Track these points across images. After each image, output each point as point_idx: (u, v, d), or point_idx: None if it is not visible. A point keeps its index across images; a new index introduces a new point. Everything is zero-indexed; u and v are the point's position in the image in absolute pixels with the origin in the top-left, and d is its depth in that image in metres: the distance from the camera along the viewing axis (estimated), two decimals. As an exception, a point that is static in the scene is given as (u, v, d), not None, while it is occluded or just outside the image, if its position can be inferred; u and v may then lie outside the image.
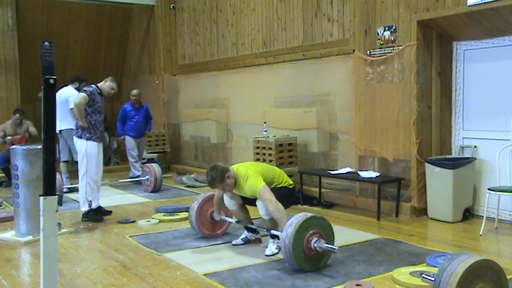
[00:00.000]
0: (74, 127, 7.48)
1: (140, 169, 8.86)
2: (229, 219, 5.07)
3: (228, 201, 4.79)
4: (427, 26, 5.83)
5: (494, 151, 5.42)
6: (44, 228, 2.65)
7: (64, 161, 8.18)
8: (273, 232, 4.47)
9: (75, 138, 5.94)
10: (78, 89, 7.92)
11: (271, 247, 4.53)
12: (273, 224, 4.52)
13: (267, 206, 4.36)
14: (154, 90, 10.70)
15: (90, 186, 5.84)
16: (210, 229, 5.16)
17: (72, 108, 7.86)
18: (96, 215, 5.97)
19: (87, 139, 5.82)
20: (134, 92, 9.02)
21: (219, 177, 4.44)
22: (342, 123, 6.92)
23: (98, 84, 6.05)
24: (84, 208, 5.92)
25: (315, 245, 3.99)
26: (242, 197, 4.73)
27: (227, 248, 4.81)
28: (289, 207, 4.72)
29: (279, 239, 4.54)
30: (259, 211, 4.52)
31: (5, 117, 9.26)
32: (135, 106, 8.98)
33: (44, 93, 2.62)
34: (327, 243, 4.02)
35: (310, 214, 4.12)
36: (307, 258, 4.02)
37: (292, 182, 4.85)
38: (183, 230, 5.52)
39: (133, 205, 7.02)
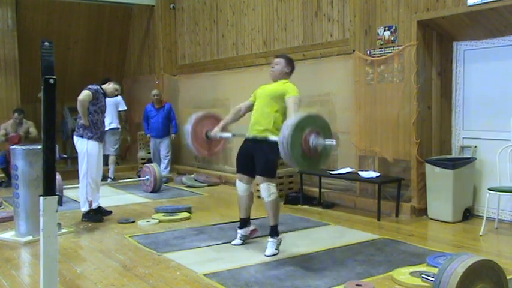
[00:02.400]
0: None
1: (165, 170, 8.99)
2: (226, 135, 5.00)
3: (241, 186, 4.76)
4: (427, 26, 5.83)
5: (494, 151, 5.42)
6: (44, 228, 2.65)
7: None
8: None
9: (75, 138, 5.91)
10: None
11: (271, 247, 4.53)
12: (273, 211, 4.54)
13: (289, 112, 4.43)
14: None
15: (91, 186, 5.84)
16: (207, 148, 5.08)
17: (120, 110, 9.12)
18: (96, 215, 5.97)
19: (89, 138, 5.81)
20: (154, 92, 9.17)
21: (288, 59, 4.78)
22: (342, 123, 6.92)
23: (102, 86, 6.06)
24: (84, 208, 5.92)
25: (313, 142, 3.94)
26: (245, 168, 4.71)
27: (227, 248, 4.81)
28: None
29: (278, 235, 4.58)
30: (262, 193, 4.56)
31: (5, 117, 9.26)
32: (155, 106, 9.09)
33: (44, 93, 2.61)
34: (324, 139, 3.97)
35: (305, 113, 4.07)
36: (307, 157, 3.97)
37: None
38: (183, 230, 5.52)
39: (133, 205, 7.01)
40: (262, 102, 4.69)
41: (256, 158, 4.62)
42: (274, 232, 4.59)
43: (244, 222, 4.91)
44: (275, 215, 4.59)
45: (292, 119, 4.01)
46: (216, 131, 4.93)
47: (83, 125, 5.80)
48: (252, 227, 4.94)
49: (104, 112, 6.06)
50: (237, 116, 5.01)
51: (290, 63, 4.79)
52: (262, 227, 5.38)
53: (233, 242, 4.91)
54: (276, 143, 4.50)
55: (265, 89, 4.79)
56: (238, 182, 4.82)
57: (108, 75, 9.72)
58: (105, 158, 9.19)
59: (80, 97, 5.77)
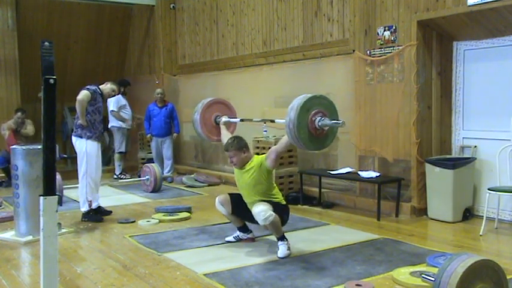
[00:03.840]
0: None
1: (167, 170, 9.07)
2: (234, 120, 5.06)
3: (220, 207, 4.80)
4: (427, 26, 5.83)
5: (494, 151, 5.42)
6: (44, 228, 2.65)
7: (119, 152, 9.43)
8: (278, 121, 4.50)
9: (74, 138, 5.91)
10: (124, 93, 9.51)
11: (283, 248, 4.49)
12: (275, 228, 4.49)
13: (281, 145, 4.38)
14: (155, 90, 10.67)
15: (90, 186, 5.84)
16: (216, 134, 5.13)
17: (112, 111, 9.20)
18: (96, 215, 5.97)
19: (87, 138, 5.81)
20: (158, 90, 9.28)
21: (238, 145, 4.59)
22: (342, 123, 6.91)
23: (99, 86, 6.07)
24: (84, 208, 5.92)
25: (320, 123, 3.94)
26: (237, 207, 4.72)
27: (227, 248, 4.81)
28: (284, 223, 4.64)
29: (286, 240, 4.56)
30: (257, 219, 4.43)
31: (5, 117, 9.26)
32: (158, 105, 9.15)
33: (44, 93, 2.62)
34: (331, 120, 3.97)
35: (309, 95, 4.06)
36: (314, 138, 3.99)
37: (285, 202, 4.77)
38: (183, 230, 5.52)
39: (133, 205, 7.01)
40: (248, 193, 4.62)
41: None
42: (282, 238, 4.56)
43: (243, 228, 4.94)
44: (278, 230, 4.52)
45: (298, 100, 3.99)
46: (224, 120, 5.04)
47: (81, 125, 5.81)
48: (251, 235, 4.97)
49: (102, 112, 6.08)
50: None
51: (240, 145, 4.59)
52: (261, 227, 5.39)
53: (227, 238, 4.98)
54: (286, 208, 4.65)
55: (243, 178, 4.63)
56: (217, 202, 4.80)
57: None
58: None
59: (79, 97, 5.77)
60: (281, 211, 4.57)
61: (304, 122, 3.93)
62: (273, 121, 4.87)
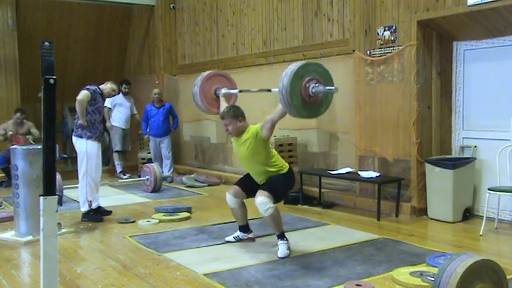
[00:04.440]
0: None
1: (167, 170, 9.09)
2: (233, 91, 5.04)
3: (231, 199, 4.78)
4: (427, 26, 5.83)
5: (494, 151, 5.42)
6: (44, 228, 2.65)
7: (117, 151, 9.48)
8: (273, 90, 4.40)
9: (74, 138, 5.92)
10: (126, 92, 9.57)
11: (283, 248, 4.49)
12: (275, 222, 4.51)
13: (276, 113, 4.33)
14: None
15: (90, 186, 5.84)
16: (217, 106, 5.15)
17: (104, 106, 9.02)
18: (96, 215, 5.97)
19: (88, 138, 5.82)
20: (155, 91, 9.28)
21: (234, 113, 4.57)
22: (342, 123, 6.92)
23: (99, 86, 6.07)
24: (84, 208, 5.92)
25: (313, 90, 3.90)
26: (249, 187, 4.70)
27: (227, 248, 4.81)
28: (291, 189, 4.68)
29: (287, 239, 4.56)
30: (258, 208, 4.46)
31: (5, 117, 9.25)
32: (155, 105, 9.16)
33: (44, 93, 2.62)
34: (324, 86, 3.92)
35: (304, 61, 4.02)
36: (307, 106, 3.95)
37: (287, 168, 4.71)
38: (183, 230, 5.52)
39: (133, 205, 7.01)
40: (248, 163, 4.65)
41: (267, 182, 4.60)
42: (282, 236, 4.57)
43: (244, 227, 4.95)
44: (278, 225, 4.55)
45: (291, 66, 3.95)
46: (223, 92, 5.04)
47: (81, 125, 5.81)
48: (251, 235, 4.96)
49: (102, 112, 6.09)
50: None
51: (236, 114, 4.59)
52: (262, 226, 5.39)
53: (227, 238, 4.98)
54: (286, 173, 4.62)
55: (240, 149, 4.64)
56: (228, 195, 4.80)
57: (108, 75, 9.75)
58: (105, 158, 9.25)
59: (79, 97, 5.78)
60: (284, 182, 4.60)
61: (298, 89, 3.87)
62: (269, 90, 4.76)
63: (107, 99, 8.97)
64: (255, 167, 4.63)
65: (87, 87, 5.93)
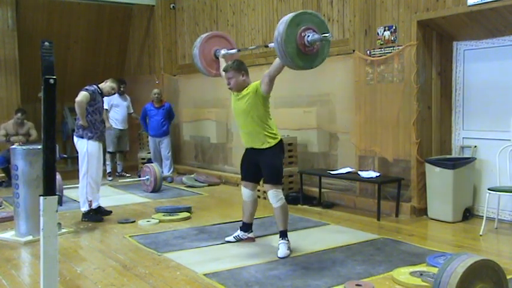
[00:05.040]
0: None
1: (167, 170, 9.06)
2: (232, 51, 5.03)
3: (246, 192, 4.81)
4: (427, 26, 5.83)
5: (494, 151, 5.42)
6: (44, 228, 2.65)
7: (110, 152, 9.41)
8: (270, 45, 4.36)
9: (75, 138, 5.92)
10: (122, 92, 9.38)
11: (283, 248, 4.49)
12: (282, 216, 4.55)
13: (273, 66, 4.31)
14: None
15: (91, 186, 5.85)
16: (215, 67, 5.15)
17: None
18: (96, 215, 5.97)
19: (89, 138, 5.82)
20: (155, 91, 9.24)
21: (237, 66, 4.56)
22: (342, 123, 6.92)
23: (98, 85, 6.06)
24: (84, 208, 5.92)
25: (309, 39, 3.87)
26: (250, 174, 4.75)
27: (227, 248, 4.81)
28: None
29: (288, 240, 4.57)
30: (270, 200, 4.57)
31: (5, 117, 9.25)
32: (155, 105, 9.12)
33: (44, 93, 2.62)
34: (320, 33, 3.89)
35: (300, 11, 4.01)
36: (302, 55, 3.91)
37: (277, 140, 4.66)
38: (183, 230, 5.52)
39: (133, 205, 7.01)
40: (243, 121, 4.61)
41: (262, 164, 4.62)
42: (284, 235, 4.58)
43: (246, 226, 4.94)
44: (284, 220, 4.58)
45: (288, 15, 3.92)
46: (223, 53, 5.02)
47: (82, 125, 5.81)
48: (251, 235, 4.97)
49: (102, 112, 6.08)
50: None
51: (240, 68, 4.58)
52: (262, 226, 5.40)
53: (227, 238, 4.98)
54: (278, 146, 4.60)
55: (239, 104, 4.63)
56: (243, 189, 4.84)
57: (108, 75, 9.71)
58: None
59: (78, 98, 5.79)
60: (278, 157, 4.62)
61: (293, 36, 3.83)
62: (266, 46, 4.72)
63: (105, 100, 8.98)
64: (250, 125, 4.57)
65: (86, 88, 5.92)
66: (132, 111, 9.71)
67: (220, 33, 5.37)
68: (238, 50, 5.08)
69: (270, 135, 4.59)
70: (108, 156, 9.45)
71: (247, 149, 4.78)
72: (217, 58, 5.16)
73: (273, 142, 4.58)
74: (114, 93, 6.49)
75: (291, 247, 4.55)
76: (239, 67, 4.57)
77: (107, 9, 11.25)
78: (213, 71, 5.19)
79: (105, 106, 8.97)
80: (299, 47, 3.89)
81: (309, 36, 3.88)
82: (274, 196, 4.54)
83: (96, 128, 5.88)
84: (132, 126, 10.08)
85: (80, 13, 11.06)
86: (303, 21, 3.90)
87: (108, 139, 9.32)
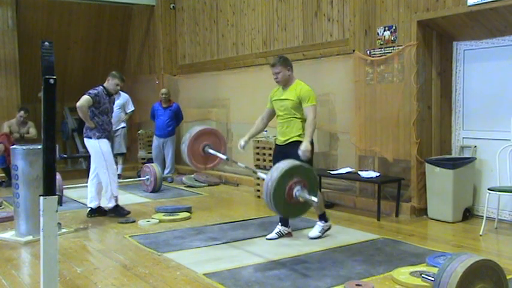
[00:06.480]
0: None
1: (168, 170, 9.04)
2: (221, 156, 5.09)
3: None
4: (427, 26, 5.83)
5: (494, 151, 5.42)
6: (44, 228, 2.65)
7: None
8: (259, 174, 4.71)
9: (85, 139, 6.03)
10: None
11: (317, 229, 4.83)
12: (319, 203, 4.79)
13: (308, 115, 4.73)
14: (154, 90, 10.68)
15: (114, 181, 5.99)
16: (203, 163, 5.18)
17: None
18: (123, 209, 6.15)
19: (98, 138, 5.93)
20: (162, 91, 9.17)
21: (284, 61, 4.84)
22: (342, 123, 6.92)
23: (104, 85, 6.08)
24: (111, 204, 6.06)
25: (297, 193, 3.93)
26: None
27: (227, 248, 4.81)
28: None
29: (326, 221, 4.93)
30: None
31: (5, 117, 9.26)
32: (162, 106, 9.07)
33: (44, 93, 2.61)
34: (308, 194, 3.94)
35: (299, 163, 4.08)
36: (286, 205, 3.96)
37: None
38: (183, 230, 5.52)
39: (133, 205, 7.00)
40: (286, 113, 4.88)
41: (293, 158, 4.68)
42: (322, 217, 4.95)
43: (285, 221, 5.04)
44: (319, 206, 4.89)
45: (285, 162, 4.00)
46: (211, 152, 5.07)
47: (89, 126, 5.92)
48: (290, 229, 5.07)
49: (110, 113, 6.13)
50: (260, 127, 5.20)
51: (286, 63, 4.86)
52: (262, 226, 5.40)
53: (268, 236, 5.02)
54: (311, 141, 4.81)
55: (281, 99, 4.90)
56: None
57: (108, 75, 9.71)
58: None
59: (78, 103, 5.85)
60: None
61: (283, 186, 3.91)
62: (255, 172, 4.99)
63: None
64: (295, 118, 4.82)
65: (89, 91, 5.97)
66: (130, 109, 9.17)
67: (210, 129, 5.32)
68: (227, 159, 5.10)
69: (302, 133, 4.82)
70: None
71: (277, 146, 5.00)
72: (205, 153, 5.14)
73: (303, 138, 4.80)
74: (120, 89, 6.39)
75: (326, 232, 4.87)
76: (286, 62, 4.86)
77: (107, 9, 11.25)
78: (201, 166, 5.22)
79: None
80: (286, 196, 3.95)
81: (298, 191, 3.94)
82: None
83: (103, 129, 5.98)
84: (132, 126, 10.06)
85: (80, 13, 11.06)
86: (298, 173, 3.98)
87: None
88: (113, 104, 6.28)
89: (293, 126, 4.84)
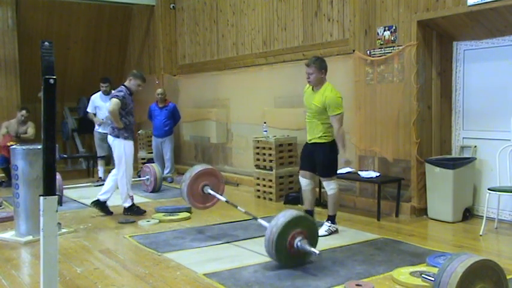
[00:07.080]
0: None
1: (167, 170, 9.05)
2: (221, 198, 5.23)
3: (304, 181, 5.24)
4: (427, 26, 5.83)
5: (494, 151, 5.42)
6: (44, 228, 2.65)
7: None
8: (260, 221, 4.77)
9: (111, 138, 6.18)
10: (105, 91, 8.66)
11: (324, 228, 5.02)
12: (333, 202, 5.15)
13: (334, 125, 4.96)
14: (154, 90, 10.69)
15: (129, 183, 6.19)
16: (201, 202, 5.32)
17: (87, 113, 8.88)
18: (139, 209, 6.26)
19: (125, 138, 6.11)
20: (158, 91, 9.19)
21: (320, 64, 4.96)
22: (342, 123, 6.91)
23: (125, 85, 6.14)
24: (127, 203, 6.19)
25: (298, 244, 4.08)
26: (307, 165, 5.21)
27: (227, 248, 4.81)
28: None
29: (334, 223, 5.16)
30: (325, 187, 5.21)
31: (5, 117, 9.26)
32: (158, 106, 9.11)
33: (44, 93, 2.61)
34: (309, 245, 4.08)
35: (303, 214, 4.28)
36: (287, 254, 4.10)
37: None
38: (183, 230, 5.52)
39: (133, 205, 7.00)
40: (311, 113, 5.11)
41: (317, 158, 5.06)
42: (331, 219, 5.16)
43: (310, 214, 5.15)
44: (334, 206, 5.17)
45: (292, 212, 4.19)
46: (211, 192, 5.23)
47: (116, 126, 6.07)
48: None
49: (133, 113, 6.29)
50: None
51: (321, 66, 4.98)
52: (261, 226, 5.39)
53: (320, 233, 5.02)
54: (330, 144, 5.08)
55: (311, 99, 5.07)
56: (301, 178, 5.29)
57: (108, 75, 9.72)
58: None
59: (110, 108, 6.06)
60: (326, 153, 5.08)
61: (286, 235, 4.05)
62: (255, 218, 4.95)
63: (90, 102, 8.84)
64: (314, 118, 5.05)
65: (116, 94, 6.11)
66: None
67: (210, 169, 5.39)
68: (227, 201, 5.19)
69: (328, 134, 5.06)
70: (99, 161, 8.87)
71: (306, 144, 5.25)
72: (204, 193, 5.26)
73: (326, 140, 5.05)
74: (141, 89, 6.38)
75: (333, 232, 5.09)
76: (321, 65, 4.98)
77: (107, 9, 11.25)
78: (200, 205, 5.36)
79: (88, 109, 8.80)
80: (287, 246, 4.08)
81: (299, 241, 4.08)
82: (327, 185, 5.15)
83: (131, 130, 6.19)
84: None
85: (80, 13, 11.06)
86: (300, 224, 4.14)
87: (95, 143, 8.88)
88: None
89: (315, 128, 5.07)
